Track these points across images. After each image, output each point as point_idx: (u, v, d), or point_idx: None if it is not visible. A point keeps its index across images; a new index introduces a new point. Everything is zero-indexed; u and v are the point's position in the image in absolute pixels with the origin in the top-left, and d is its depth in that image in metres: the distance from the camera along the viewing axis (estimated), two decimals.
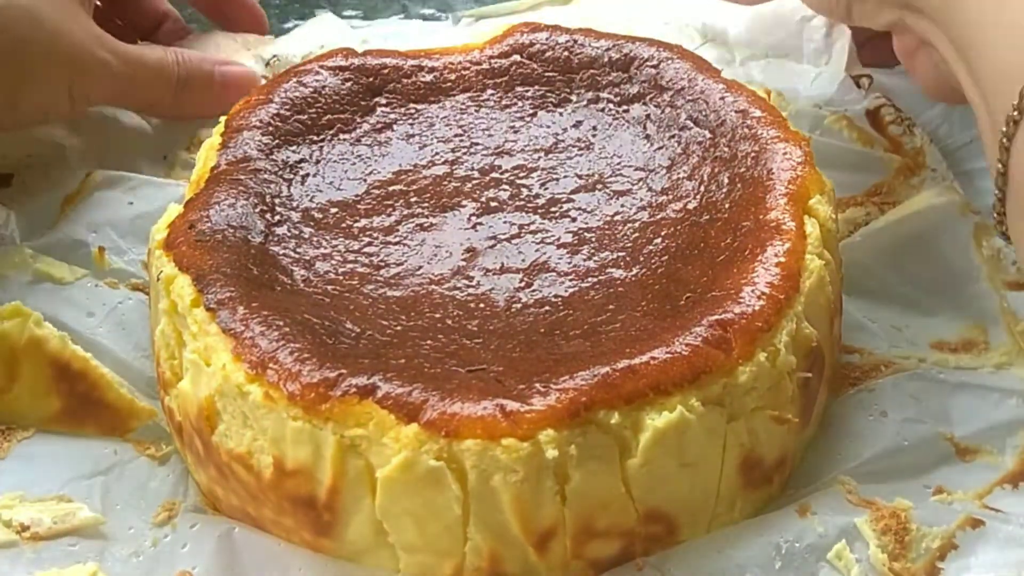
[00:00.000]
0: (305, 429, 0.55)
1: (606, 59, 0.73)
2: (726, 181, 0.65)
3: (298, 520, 0.58)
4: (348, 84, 0.72)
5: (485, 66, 0.74)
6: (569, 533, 0.56)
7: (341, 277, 0.62)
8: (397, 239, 0.65)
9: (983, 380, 0.66)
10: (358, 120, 0.71)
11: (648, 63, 0.72)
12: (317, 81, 0.72)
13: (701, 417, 0.55)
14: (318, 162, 0.69)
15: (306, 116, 0.70)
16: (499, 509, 0.54)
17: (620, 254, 0.63)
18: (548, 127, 0.71)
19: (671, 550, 0.58)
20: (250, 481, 0.58)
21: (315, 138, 0.70)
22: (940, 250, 0.72)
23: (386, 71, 0.73)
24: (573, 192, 0.67)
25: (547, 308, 0.61)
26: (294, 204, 0.66)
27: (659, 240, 0.64)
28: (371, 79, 0.73)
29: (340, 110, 0.71)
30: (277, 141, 0.69)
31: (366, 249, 0.64)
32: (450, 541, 0.56)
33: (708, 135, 0.68)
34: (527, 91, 0.73)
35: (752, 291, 0.58)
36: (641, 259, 0.63)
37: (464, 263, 0.63)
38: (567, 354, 0.57)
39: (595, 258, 0.63)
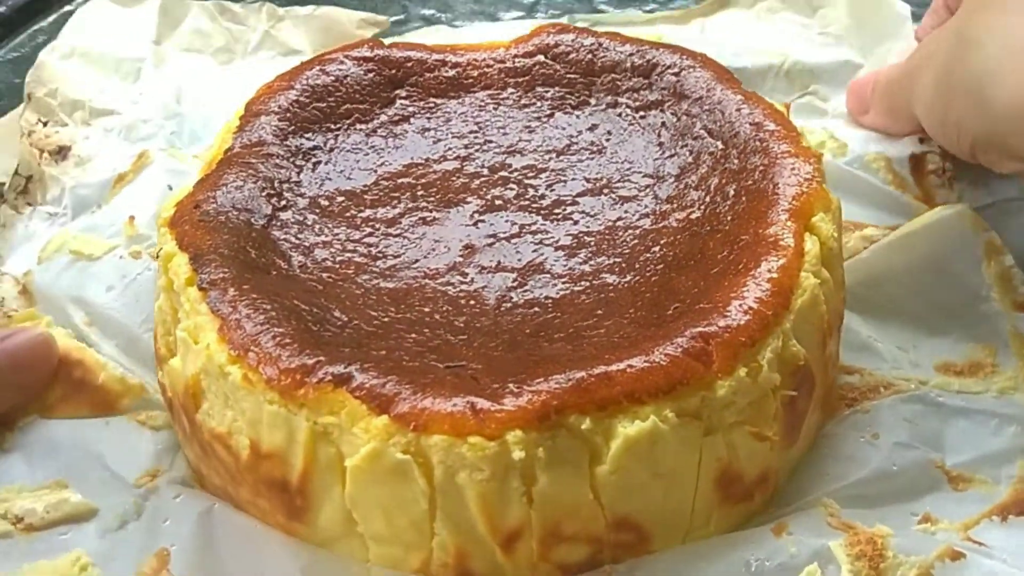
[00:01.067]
0: (280, 413, 0.54)
1: (628, 64, 0.71)
2: (732, 193, 0.63)
3: (273, 503, 0.57)
4: (371, 75, 0.71)
5: (508, 64, 0.72)
6: (536, 535, 0.54)
7: (337, 265, 0.61)
8: (398, 231, 0.63)
9: (984, 405, 0.63)
10: (376, 111, 0.70)
11: (670, 70, 0.69)
12: (340, 70, 0.71)
13: (675, 428, 0.53)
14: (331, 150, 0.68)
15: (325, 104, 0.69)
16: (465, 506, 0.53)
17: (616, 260, 0.61)
18: (563, 129, 0.69)
19: (641, 559, 0.56)
20: (229, 461, 0.58)
21: (332, 126, 0.69)
22: (950, 267, 0.68)
23: (410, 64, 0.72)
24: (579, 195, 0.65)
25: (536, 309, 0.59)
26: (302, 191, 0.65)
27: (657, 248, 0.62)
28: (394, 71, 0.72)
29: (360, 100, 0.70)
30: (293, 127, 0.68)
31: (366, 239, 0.63)
32: (417, 535, 0.55)
33: (720, 146, 0.65)
34: (547, 92, 0.71)
35: (739, 305, 0.56)
36: (636, 266, 0.61)
37: (461, 259, 0.62)
38: (547, 356, 0.56)
39: (591, 262, 0.61)
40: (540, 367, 0.54)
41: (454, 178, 0.66)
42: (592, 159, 0.67)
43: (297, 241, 0.62)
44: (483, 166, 0.67)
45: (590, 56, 0.71)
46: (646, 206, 0.64)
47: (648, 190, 0.65)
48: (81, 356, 0.65)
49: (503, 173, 0.66)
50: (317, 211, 0.64)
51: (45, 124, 0.81)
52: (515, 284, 0.60)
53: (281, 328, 0.56)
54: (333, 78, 0.71)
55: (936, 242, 0.69)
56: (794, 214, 0.60)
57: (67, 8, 0.93)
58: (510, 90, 0.71)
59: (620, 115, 0.69)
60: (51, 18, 0.93)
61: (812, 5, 0.89)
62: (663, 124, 0.68)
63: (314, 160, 0.67)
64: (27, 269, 0.73)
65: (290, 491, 0.56)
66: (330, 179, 0.66)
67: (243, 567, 0.57)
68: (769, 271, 0.57)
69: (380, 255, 0.62)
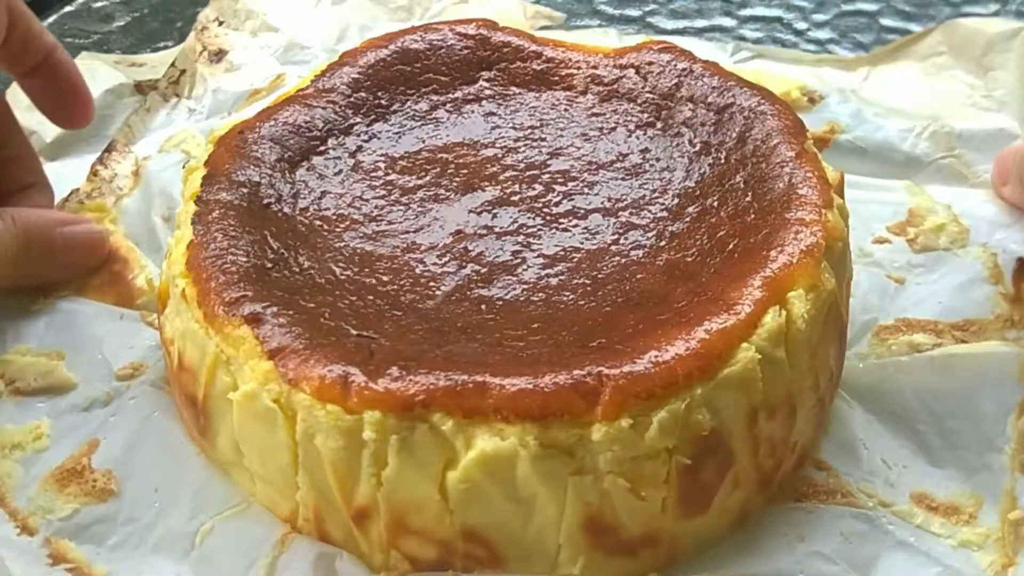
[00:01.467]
0: (199, 333, 0.56)
1: (708, 99, 0.67)
2: (729, 248, 0.59)
3: (188, 415, 0.60)
4: (465, 51, 0.71)
5: (598, 71, 0.70)
6: (383, 520, 0.54)
7: (334, 217, 0.62)
8: (407, 201, 0.63)
9: (935, 549, 0.56)
10: (456, 86, 0.70)
11: (741, 113, 0.65)
12: (438, 40, 0.71)
13: (537, 457, 0.51)
14: (395, 112, 0.68)
15: (410, 68, 0.70)
16: (322, 469, 0.53)
17: (585, 281, 0.59)
18: (617, 145, 0.66)
19: None
20: (169, 366, 0.60)
21: (407, 91, 0.69)
22: (977, 405, 0.61)
23: (506, 49, 0.71)
24: (591, 211, 0.62)
25: (482, 307, 0.58)
26: (345, 141, 0.66)
27: (628, 282, 0.58)
28: (488, 53, 0.71)
29: (444, 72, 0.70)
30: (369, 83, 0.69)
31: (376, 200, 0.63)
32: (284, 483, 0.56)
33: (748, 199, 0.61)
34: (621, 106, 0.68)
35: (654, 356, 0.52)
36: (599, 293, 0.58)
37: (448, 241, 0.61)
38: (453, 352, 0.54)
39: (560, 277, 0.59)
40: (436, 360, 0.53)
41: (489, 165, 0.65)
42: (625, 180, 0.64)
43: (314, 185, 0.64)
44: (521, 161, 0.66)
45: (676, 81, 0.68)
46: (647, 238, 0.61)
47: (659, 223, 0.62)
48: (128, 256, 0.70)
49: (535, 172, 0.65)
50: (350, 163, 0.65)
51: (220, 24, 0.86)
52: (478, 278, 0.59)
53: (234, 257, 0.58)
54: (427, 45, 0.71)
55: (975, 376, 0.62)
56: (769, 283, 0.56)
57: (67, 8, 0.94)
58: (589, 96, 0.69)
59: (676, 146, 0.66)
60: (51, 18, 0.94)
61: (983, 65, 0.82)
62: (711, 164, 0.64)
63: (372, 117, 0.68)
64: (148, 154, 0.78)
65: (197, 408, 0.58)
66: (378, 138, 0.67)
67: (148, 472, 0.60)
68: (706, 332, 0.54)
69: (377, 218, 0.63)
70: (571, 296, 0.58)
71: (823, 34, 0.93)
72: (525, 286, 0.59)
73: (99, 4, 0.95)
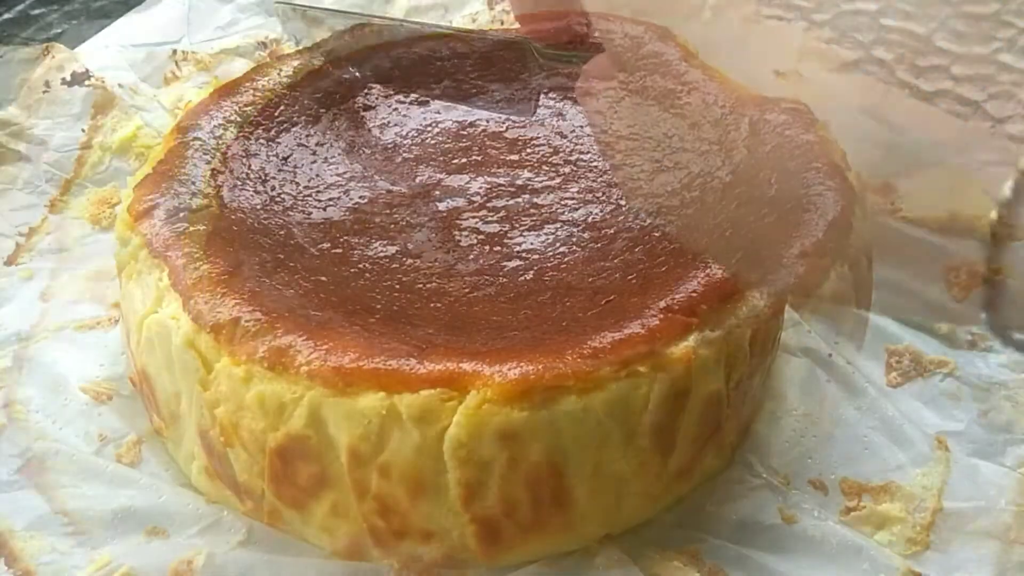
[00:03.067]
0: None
1: (786, 171, 0.57)
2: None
3: None
4: (616, 50, 0.67)
5: (718, 111, 0.61)
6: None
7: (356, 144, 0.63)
8: (414, 162, 0.62)
9: None
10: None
11: (795, 196, 0.56)
12: (601, 31, 0.67)
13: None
14: (511, 81, 0.67)
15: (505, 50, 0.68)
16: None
17: (492, 282, 0.55)
18: (669, 183, 0.59)
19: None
20: None
21: (467, 78, 0.67)
22: None
23: (653, 60, 0.65)
24: (570, 223, 0.58)
25: (385, 274, 0.56)
26: (435, 86, 0.66)
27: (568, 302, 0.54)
28: (637, 59, 0.66)
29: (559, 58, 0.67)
30: (436, 67, 0.68)
31: (383, 155, 0.63)
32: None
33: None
34: (713, 149, 0.60)
35: (506, 368, 0.48)
36: (494, 288, 0.55)
37: (418, 200, 0.60)
38: (327, 309, 0.53)
39: (467, 268, 0.56)
40: (335, 308, 0.53)
41: (522, 150, 0.63)
42: (638, 217, 0.58)
43: (375, 111, 0.65)
44: (560, 156, 0.62)
45: (775, 144, 0.59)
46: (582, 251, 0.56)
47: (608, 240, 0.56)
48: None
49: (560, 168, 0.61)
50: (415, 99, 0.66)
51: None
52: (405, 251, 0.57)
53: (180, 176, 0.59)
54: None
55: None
56: (655, 333, 0.50)
57: (67, 8, 0.90)
58: (693, 130, 0.62)
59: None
60: (51, 18, 0.90)
61: None
62: None
63: (490, 77, 0.67)
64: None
65: None
66: (463, 95, 0.66)
67: None
68: (537, 369, 0.48)
69: (372, 163, 0.62)
70: (465, 287, 0.55)
71: (823, 33, 0.77)
72: (432, 269, 0.56)
73: (99, 3, 0.92)
